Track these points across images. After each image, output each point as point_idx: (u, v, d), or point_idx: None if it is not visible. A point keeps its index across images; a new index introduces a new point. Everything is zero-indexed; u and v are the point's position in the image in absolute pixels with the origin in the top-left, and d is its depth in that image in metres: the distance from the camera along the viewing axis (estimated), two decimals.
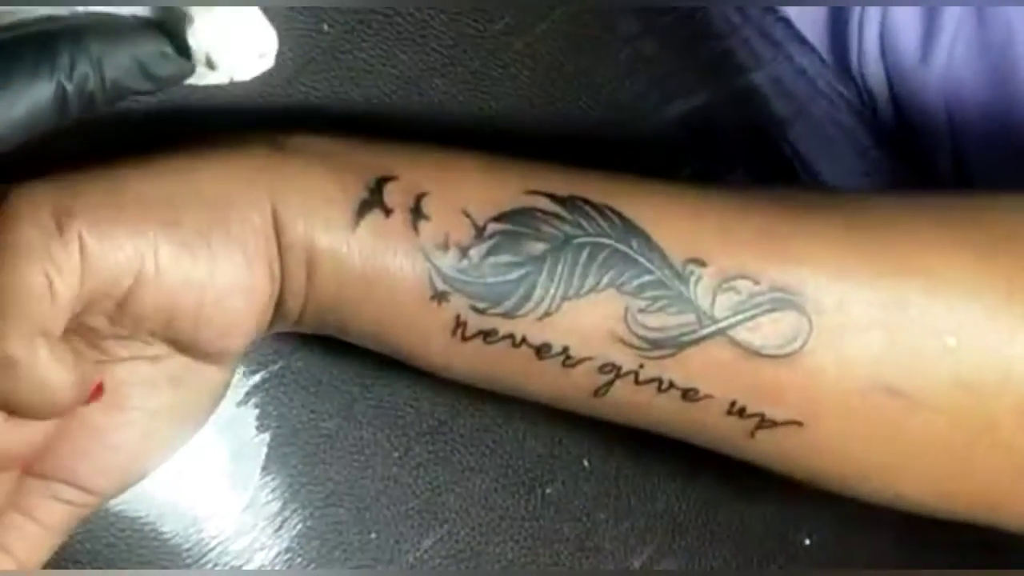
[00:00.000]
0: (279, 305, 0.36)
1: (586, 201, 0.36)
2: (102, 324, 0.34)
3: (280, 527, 0.43)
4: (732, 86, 0.51)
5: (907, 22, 0.59)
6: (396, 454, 0.45)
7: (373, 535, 0.44)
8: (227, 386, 0.38)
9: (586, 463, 0.48)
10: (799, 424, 0.37)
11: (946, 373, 0.37)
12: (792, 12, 0.56)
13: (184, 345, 0.35)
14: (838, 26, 0.62)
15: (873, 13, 0.60)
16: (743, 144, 0.52)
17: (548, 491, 0.47)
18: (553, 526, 0.47)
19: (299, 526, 0.43)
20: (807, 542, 0.52)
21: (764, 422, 0.37)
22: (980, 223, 0.38)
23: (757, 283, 0.36)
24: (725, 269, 0.36)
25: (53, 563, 0.39)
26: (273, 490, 0.43)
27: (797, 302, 0.36)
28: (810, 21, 0.62)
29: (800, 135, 0.53)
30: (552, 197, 0.36)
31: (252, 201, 0.34)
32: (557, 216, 0.36)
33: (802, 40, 0.55)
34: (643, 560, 0.49)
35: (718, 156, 0.51)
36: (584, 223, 0.36)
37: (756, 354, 0.36)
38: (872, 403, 0.37)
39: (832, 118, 0.55)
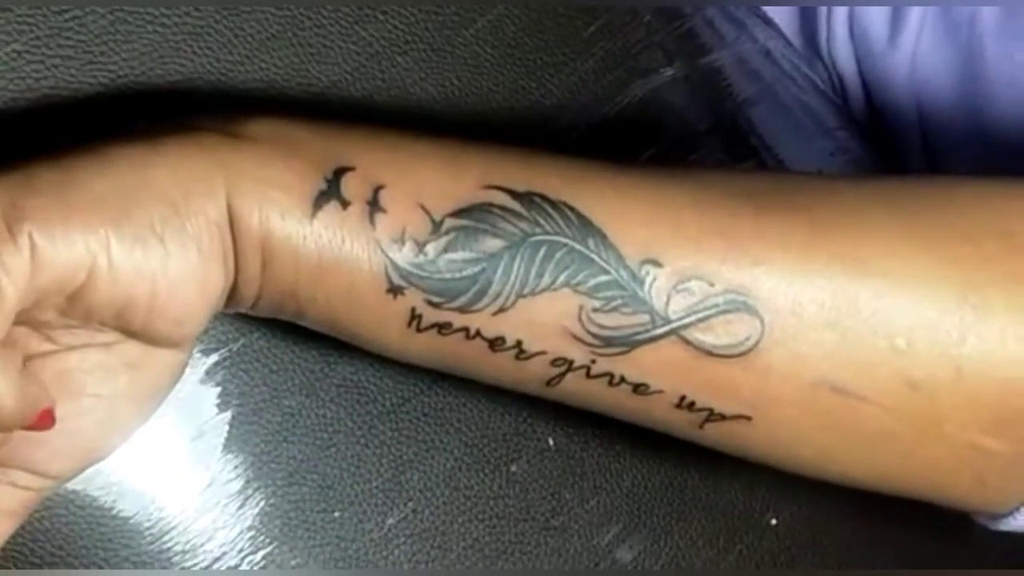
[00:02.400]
0: (234, 292, 0.36)
1: (544, 198, 0.36)
2: (52, 316, 0.34)
3: (242, 506, 0.43)
4: (695, 65, 0.51)
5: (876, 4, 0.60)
6: (359, 432, 0.45)
7: (336, 513, 0.44)
8: (185, 365, 0.37)
9: (551, 441, 0.48)
10: (747, 418, 0.38)
11: (895, 373, 0.37)
12: None
13: (136, 334, 0.35)
14: (807, 8, 0.63)
15: None
16: (706, 124, 0.52)
17: (513, 469, 0.47)
18: (518, 504, 0.47)
19: (261, 504, 0.43)
20: (773, 522, 0.52)
21: (713, 416, 0.38)
22: (942, 221, 0.38)
23: (712, 284, 0.36)
24: (681, 270, 0.36)
25: (12, 539, 0.38)
26: (235, 468, 0.43)
27: (751, 303, 0.36)
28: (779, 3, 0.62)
29: (764, 115, 0.53)
30: (510, 193, 0.36)
31: (207, 193, 0.34)
32: (515, 213, 0.36)
33: (767, 21, 0.55)
34: (609, 538, 0.49)
35: (681, 135, 0.51)
36: (541, 221, 0.36)
37: (708, 353, 0.37)
38: (820, 400, 0.37)
39: (797, 99, 0.55)
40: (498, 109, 0.47)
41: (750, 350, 0.37)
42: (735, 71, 0.52)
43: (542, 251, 0.36)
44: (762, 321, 0.36)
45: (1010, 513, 0.41)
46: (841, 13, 0.60)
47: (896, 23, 0.58)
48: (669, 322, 0.36)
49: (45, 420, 0.35)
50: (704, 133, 0.52)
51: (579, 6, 0.48)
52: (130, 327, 0.34)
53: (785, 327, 0.37)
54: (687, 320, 0.36)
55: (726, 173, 0.40)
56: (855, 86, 0.61)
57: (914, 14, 0.57)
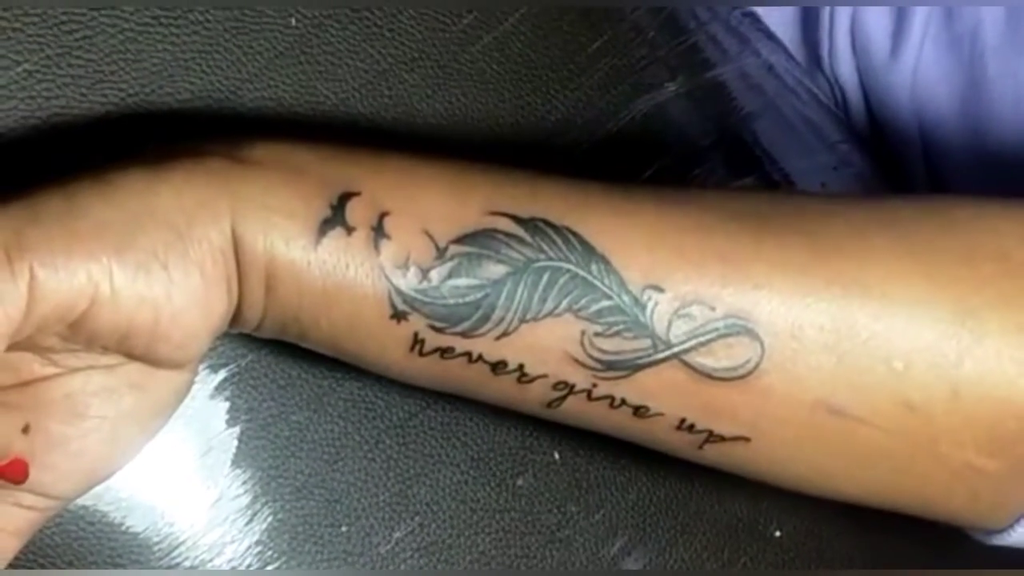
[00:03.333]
0: (237, 316, 0.36)
1: (548, 223, 0.36)
2: (54, 342, 0.34)
3: (251, 520, 0.43)
4: (699, 81, 0.51)
5: (877, 17, 0.60)
6: (366, 447, 0.45)
7: (344, 528, 0.44)
8: (190, 384, 0.38)
9: (557, 455, 0.48)
10: (746, 439, 0.38)
11: (892, 395, 0.38)
12: (762, 7, 0.57)
13: (139, 357, 0.35)
14: (809, 22, 0.63)
15: (844, 8, 0.61)
16: (710, 138, 0.52)
17: (519, 483, 0.47)
18: (524, 518, 0.47)
19: (269, 519, 0.43)
20: (778, 534, 0.53)
21: (712, 437, 0.38)
22: (940, 244, 0.39)
23: (713, 308, 0.37)
24: (682, 295, 0.36)
25: (23, 556, 0.39)
26: (243, 483, 0.43)
27: (751, 327, 0.37)
28: (781, 16, 0.62)
29: (767, 130, 0.53)
30: (515, 219, 0.36)
31: (212, 219, 0.34)
32: (519, 239, 0.36)
33: (769, 35, 0.55)
34: (614, 551, 0.49)
35: (685, 150, 0.51)
36: (545, 247, 0.36)
37: (708, 376, 0.37)
38: (818, 421, 0.38)
39: (800, 113, 0.55)
40: (503, 125, 0.47)
41: (750, 373, 0.37)
42: (738, 86, 0.52)
43: (545, 277, 0.36)
44: (762, 344, 0.37)
45: (1004, 529, 0.42)
46: (843, 27, 0.60)
47: (898, 37, 0.58)
48: (671, 346, 0.37)
49: (16, 471, 0.35)
50: (708, 148, 0.52)
51: (584, 23, 0.48)
52: (133, 352, 0.35)
53: (785, 350, 0.37)
54: (688, 344, 0.37)
55: (727, 195, 0.40)
56: (857, 99, 0.62)
57: (916, 28, 0.58)
